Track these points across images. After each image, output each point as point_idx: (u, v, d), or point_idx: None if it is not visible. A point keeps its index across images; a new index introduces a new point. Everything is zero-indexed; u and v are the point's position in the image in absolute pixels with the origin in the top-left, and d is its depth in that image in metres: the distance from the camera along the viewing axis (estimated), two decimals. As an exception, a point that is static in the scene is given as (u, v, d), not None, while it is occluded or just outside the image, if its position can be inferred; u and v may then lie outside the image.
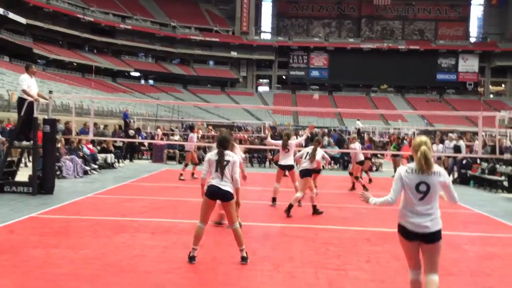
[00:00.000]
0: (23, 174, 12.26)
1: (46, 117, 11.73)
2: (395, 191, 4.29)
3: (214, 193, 5.96)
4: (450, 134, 21.25)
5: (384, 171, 20.62)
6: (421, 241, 4.17)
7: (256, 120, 55.20)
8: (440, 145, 17.92)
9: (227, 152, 6.06)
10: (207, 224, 6.10)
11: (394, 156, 18.27)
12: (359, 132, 29.07)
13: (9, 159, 11.93)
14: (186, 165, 15.38)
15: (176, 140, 22.87)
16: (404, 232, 4.23)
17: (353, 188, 13.63)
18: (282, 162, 10.65)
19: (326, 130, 36.67)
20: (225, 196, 5.96)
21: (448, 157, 16.95)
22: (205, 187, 6.11)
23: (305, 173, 9.71)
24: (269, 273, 5.69)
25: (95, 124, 18.33)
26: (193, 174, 15.26)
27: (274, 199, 10.58)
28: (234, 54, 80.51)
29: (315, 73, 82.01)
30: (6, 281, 5.07)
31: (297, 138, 13.46)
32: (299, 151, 11.10)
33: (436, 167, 4.22)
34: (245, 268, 5.87)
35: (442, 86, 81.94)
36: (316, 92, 80.00)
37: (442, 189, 4.24)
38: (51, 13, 61.38)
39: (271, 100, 75.20)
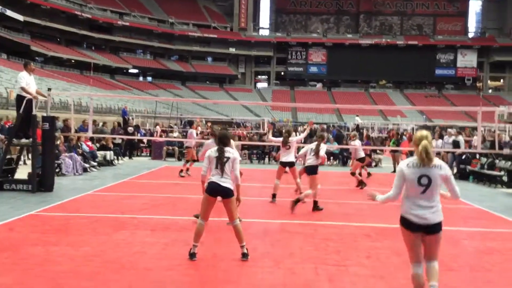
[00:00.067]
0: (23, 171, 12.25)
1: (45, 114, 11.72)
2: (396, 187, 4.42)
3: (214, 190, 5.96)
4: (449, 130, 21.24)
5: (384, 166, 20.64)
6: (423, 233, 4.28)
7: (255, 117, 55.20)
8: (440, 141, 17.93)
9: (227, 149, 6.05)
10: (207, 221, 6.10)
11: (393, 151, 18.27)
12: (358, 128, 29.07)
13: (8, 156, 11.91)
14: (187, 162, 15.35)
15: (175, 137, 22.86)
16: (408, 224, 4.33)
17: (359, 184, 13.49)
18: (283, 159, 10.66)
19: (325, 126, 36.68)
20: (226, 193, 5.96)
21: (447, 152, 16.96)
22: (205, 184, 6.11)
23: (311, 171, 9.74)
24: (270, 270, 5.70)
25: (94, 121, 18.30)
26: (187, 170, 15.11)
27: (274, 196, 10.59)
28: (232, 50, 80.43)
29: (313, 69, 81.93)
30: (7, 279, 5.07)
31: (296, 134, 13.44)
32: (299, 148, 11.11)
33: (437, 161, 4.32)
34: (245, 264, 5.87)
35: (441, 82, 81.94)
36: (314, 88, 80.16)
37: (443, 182, 4.31)
38: (49, 10, 61.25)
39: (270, 96, 75.15)
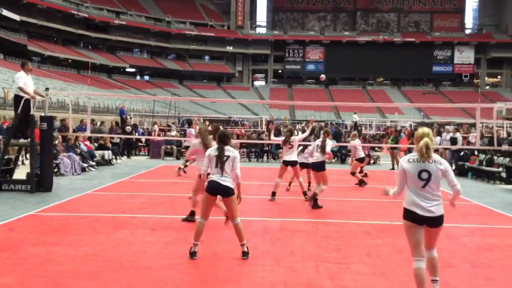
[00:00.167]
0: (21, 172, 12.22)
1: (42, 114, 11.69)
2: (399, 185, 4.64)
3: (214, 189, 5.95)
4: (447, 127, 21.28)
5: (382, 164, 20.66)
6: (427, 226, 4.48)
7: (253, 115, 55.18)
8: (438, 137, 17.96)
9: (227, 147, 6.05)
10: (207, 220, 6.10)
11: (392, 149, 18.29)
12: (356, 125, 29.07)
13: (6, 157, 11.88)
14: (187, 161, 15.28)
15: (173, 136, 22.83)
16: (413, 218, 4.47)
17: (360, 183, 13.52)
18: (286, 158, 10.65)
19: (323, 124, 36.67)
20: (226, 192, 5.95)
21: (446, 149, 16.99)
22: (206, 183, 6.10)
23: (319, 167, 9.78)
24: (270, 268, 5.69)
25: (92, 121, 18.27)
26: (185, 166, 15.03)
27: (273, 194, 10.59)
28: (229, 48, 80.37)
29: (311, 67, 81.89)
30: (8, 279, 5.06)
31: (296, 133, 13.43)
32: (299, 146, 11.14)
33: (436, 157, 4.53)
34: (246, 263, 5.87)
35: (438, 78, 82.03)
36: (312, 86, 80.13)
37: (443, 177, 4.48)
38: (45, 9, 61.11)
39: (267, 95, 75.15)
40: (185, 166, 15.03)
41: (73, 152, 15.00)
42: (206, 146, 7.80)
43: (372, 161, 20.41)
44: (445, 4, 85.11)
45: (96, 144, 18.04)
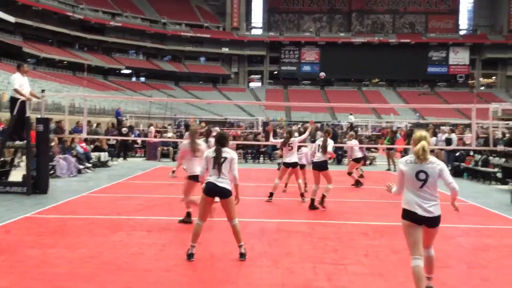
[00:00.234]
0: (17, 174, 12.18)
1: (38, 116, 11.66)
2: (398, 184, 4.83)
3: (211, 190, 5.95)
4: (442, 127, 21.37)
5: (378, 164, 20.69)
6: (425, 226, 4.62)
7: (249, 116, 55.16)
8: (433, 138, 18.01)
9: (224, 149, 6.05)
10: (205, 222, 6.09)
11: (388, 149, 18.34)
12: (352, 127, 29.13)
13: (2, 159, 11.84)
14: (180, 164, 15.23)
15: (169, 137, 22.81)
16: (413, 218, 4.61)
17: (356, 183, 13.54)
18: (287, 159, 10.65)
19: (318, 125, 36.70)
20: (223, 193, 5.95)
21: (441, 149, 17.05)
22: (203, 185, 6.11)
23: (321, 167, 9.82)
24: (268, 269, 5.70)
25: (88, 123, 18.23)
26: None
27: (271, 194, 10.60)
28: (225, 50, 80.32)
29: (306, 68, 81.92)
30: (4, 282, 5.05)
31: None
32: (299, 147, 11.17)
33: (433, 158, 4.69)
34: (243, 264, 5.87)
35: (433, 79, 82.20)
36: (308, 87, 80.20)
37: (439, 177, 4.63)
38: (40, 11, 60.92)
39: (263, 96, 75.15)
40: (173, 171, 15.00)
41: (69, 154, 14.98)
42: (194, 147, 7.82)
43: (368, 162, 20.44)
44: (440, 5, 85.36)
45: (92, 146, 17.99)
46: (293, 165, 10.60)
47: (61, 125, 16.99)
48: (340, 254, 6.43)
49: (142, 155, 22.77)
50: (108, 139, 19.34)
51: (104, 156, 17.82)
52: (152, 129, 26.08)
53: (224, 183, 5.94)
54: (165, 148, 21.61)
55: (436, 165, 4.61)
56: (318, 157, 9.90)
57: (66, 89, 43.44)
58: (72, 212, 9.01)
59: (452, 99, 69.16)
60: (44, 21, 61.61)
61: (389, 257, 6.36)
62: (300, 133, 14.71)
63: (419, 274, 4.53)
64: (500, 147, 13.50)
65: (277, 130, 24.15)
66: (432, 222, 4.61)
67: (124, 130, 22.25)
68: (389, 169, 18.20)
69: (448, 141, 17.35)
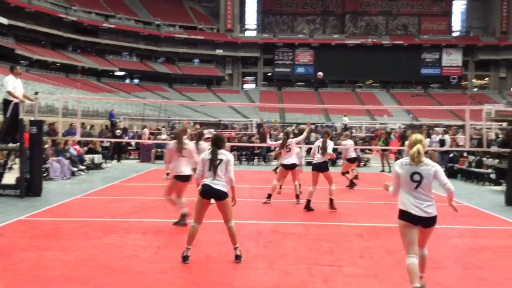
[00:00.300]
0: (10, 176, 12.09)
1: (32, 118, 11.60)
2: (395, 184, 4.95)
3: (207, 193, 5.94)
4: (436, 129, 21.43)
5: (372, 166, 20.73)
6: (421, 226, 4.76)
7: (243, 118, 55.13)
8: (427, 139, 18.07)
9: (220, 151, 6.04)
10: (201, 224, 6.08)
11: (382, 150, 18.39)
12: (345, 128, 29.18)
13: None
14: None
15: (163, 139, 22.75)
16: (409, 218, 4.74)
17: (351, 184, 13.57)
18: (285, 161, 10.63)
19: (313, 127, 36.75)
20: (219, 195, 5.94)
21: (435, 151, 17.12)
22: (199, 187, 6.09)
23: (322, 168, 9.82)
24: (264, 271, 5.69)
25: (82, 124, 18.16)
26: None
27: (269, 196, 10.60)
28: (219, 51, 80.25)
29: (300, 70, 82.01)
30: (-2, 286, 5.02)
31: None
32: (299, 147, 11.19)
33: (427, 160, 4.84)
34: (239, 266, 5.86)
35: (427, 81, 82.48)
36: (302, 88, 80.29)
37: (434, 179, 4.78)
38: (33, 13, 60.66)
39: (257, 97, 75.12)
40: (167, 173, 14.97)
41: (62, 156, 14.91)
42: (180, 147, 7.82)
43: (362, 164, 20.48)
44: (433, 7, 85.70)
45: (86, 148, 17.92)
46: (292, 166, 10.60)
47: (54, 127, 16.89)
48: (335, 256, 6.43)
49: (136, 157, 22.70)
50: (102, 141, 19.26)
51: (97, 158, 17.75)
52: (146, 131, 26.00)
53: (219, 185, 5.93)
54: (159, 150, 21.57)
55: (431, 167, 4.75)
56: (318, 158, 9.89)
57: (59, 91, 43.24)
58: (66, 214, 8.96)
59: (445, 101, 69.47)
60: (37, 23, 61.36)
61: (384, 258, 6.36)
62: (295, 135, 14.71)
63: (414, 270, 4.66)
64: (494, 148, 13.56)
65: (271, 132, 24.14)
66: (427, 222, 4.73)
67: (118, 132, 22.18)
68: (383, 170, 18.24)
69: (442, 142, 17.42)
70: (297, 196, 10.67)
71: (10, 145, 11.31)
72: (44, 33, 62.97)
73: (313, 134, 23.31)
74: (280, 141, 10.95)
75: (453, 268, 6.04)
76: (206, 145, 10.00)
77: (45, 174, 13.23)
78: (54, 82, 50.97)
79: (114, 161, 20.60)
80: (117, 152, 21.37)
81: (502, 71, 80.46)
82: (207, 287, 5.20)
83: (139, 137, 25.02)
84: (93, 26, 69.72)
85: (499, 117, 29.02)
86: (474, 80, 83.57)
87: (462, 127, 24.55)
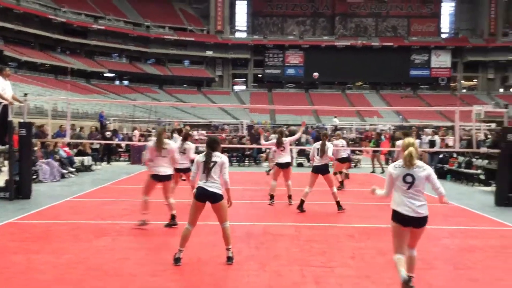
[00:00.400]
0: (-1, 179, 12.01)
1: (21, 120, 11.51)
2: (387, 187, 5.10)
3: (201, 195, 5.92)
4: (426, 130, 21.56)
5: (363, 167, 20.80)
6: (412, 226, 4.91)
7: (233, 119, 55.10)
8: (417, 140, 18.17)
9: (215, 153, 6.02)
10: (195, 226, 6.05)
11: (374, 152, 18.46)
12: (336, 129, 29.23)
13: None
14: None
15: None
16: (401, 219, 4.91)
17: (341, 185, 13.60)
18: (280, 160, 10.65)
19: (303, 128, 36.75)
20: (214, 198, 5.92)
21: (425, 151, 17.22)
22: (194, 190, 6.08)
23: (323, 170, 9.82)
24: (256, 273, 5.69)
25: (71, 126, 18.04)
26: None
27: (272, 196, 10.61)
28: (209, 53, 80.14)
29: (290, 71, 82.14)
30: (-12, 289, 4.97)
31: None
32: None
33: (420, 162, 5.01)
34: (231, 268, 5.85)
35: (416, 82, 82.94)
36: (292, 90, 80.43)
37: (426, 181, 4.95)
38: (22, 14, 60.22)
39: (248, 99, 75.12)
40: None
41: (52, 158, 14.80)
42: (159, 146, 7.81)
43: (353, 165, 20.53)
44: (422, 9, 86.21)
45: (75, 150, 17.81)
46: (286, 165, 10.62)
47: (43, 129, 16.76)
48: (327, 257, 6.45)
49: (126, 159, 22.60)
50: (92, 143, 19.16)
51: (87, 160, 17.66)
52: (136, 132, 25.91)
53: (213, 187, 5.92)
54: (150, 152, 21.43)
55: (423, 169, 4.93)
56: (318, 160, 9.88)
57: (48, 93, 42.96)
58: (56, 217, 8.91)
59: (434, 102, 69.88)
60: (26, 24, 60.92)
61: (376, 259, 6.39)
62: (286, 137, 14.72)
63: (401, 262, 4.86)
64: (483, 149, 13.65)
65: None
66: (418, 222, 4.89)
67: (108, 134, 22.08)
68: (373, 171, 18.31)
69: (432, 143, 17.53)
70: (290, 197, 10.67)
71: (-1, 147, 11.21)
72: (33, 34, 62.52)
73: (303, 136, 23.37)
74: (274, 140, 10.97)
75: (444, 268, 6.08)
76: (193, 146, 10.01)
77: (34, 177, 13.12)
78: (43, 83, 50.67)
79: (104, 163, 20.50)
80: (107, 154, 21.27)
81: (490, 72, 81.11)
82: (199, 289, 5.19)
83: (129, 139, 24.92)
84: (82, 27, 69.33)
85: (488, 118, 29.28)
86: (462, 82, 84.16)
87: (451, 128, 24.72)
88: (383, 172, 17.57)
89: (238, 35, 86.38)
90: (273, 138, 12.35)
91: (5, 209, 9.52)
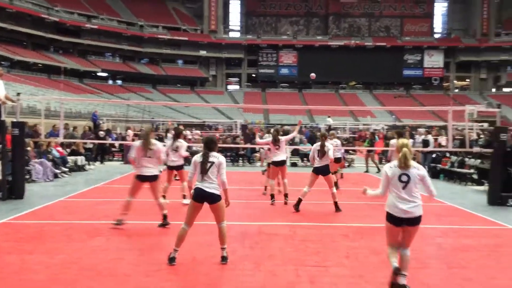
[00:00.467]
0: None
1: (14, 120, 11.46)
2: (383, 185, 5.20)
3: (199, 196, 5.91)
4: (419, 130, 21.63)
5: (356, 166, 20.85)
6: (405, 225, 5.05)
7: (227, 119, 55.08)
8: (410, 140, 18.24)
9: (212, 153, 6.01)
10: (191, 227, 6.04)
11: (368, 151, 18.52)
12: (329, 129, 29.28)
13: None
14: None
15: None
16: (394, 220, 5.05)
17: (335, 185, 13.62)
18: (275, 158, 10.67)
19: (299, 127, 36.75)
20: (211, 198, 5.92)
21: (418, 151, 17.28)
22: (192, 190, 6.07)
23: (324, 171, 9.81)
24: (251, 272, 5.69)
25: (65, 126, 17.97)
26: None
27: (272, 196, 10.62)
28: (203, 53, 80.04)
29: (284, 71, 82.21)
30: (-19, 290, 4.94)
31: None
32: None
33: (415, 163, 5.16)
34: (226, 267, 5.85)
35: (409, 82, 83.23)
36: (285, 89, 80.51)
37: (420, 181, 5.09)
38: (14, 13, 59.89)
39: (241, 99, 75.10)
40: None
41: (45, 158, 14.73)
42: (146, 147, 7.77)
43: (347, 164, 20.57)
44: (415, 9, 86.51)
45: (68, 150, 17.74)
46: (282, 163, 10.64)
47: (36, 129, 16.68)
48: (321, 256, 6.46)
49: (120, 159, 22.52)
50: (85, 143, 19.08)
51: (81, 160, 17.59)
52: (130, 132, 25.82)
53: (211, 188, 5.91)
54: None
55: (418, 170, 5.08)
56: (318, 161, 9.86)
57: (41, 92, 42.75)
58: (49, 217, 8.87)
59: (427, 102, 70.16)
60: (18, 24, 60.60)
61: (369, 258, 6.41)
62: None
63: (394, 253, 5.08)
64: (476, 149, 13.71)
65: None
66: (411, 222, 5.02)
67: (101, 133, 22.00)
68: (367, 171, 18.35)
69: (425, 143, 17.59)
70: (286, 195, 10.67)
71: (-8, 147, 11.14)
72: (25, 33, 62.20)
73: (297, 136, 23.38)
74: (269, 139, 10.97)
75: (438, 267, 6.10)
76: (185, 143, 9.99)
77: (27, 176, 13.06)
78: (36, 83, 50.41)
79: (98, 163, 20.43)
80: (101, 153, 21.20)
81: (482, 72, 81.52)
82: (194, 289, 5.18)
83: (123, 139, 24.83)
84: (76, 27, 69.06)
85: (481, 118, 29.43)
86: (455, 82, 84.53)
87: (444, 127, 24.81)
88: (378, 171, 17.62)
89: (231, 34, 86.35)
90: (267, 137, 12.36)
91: (-2, 209, 9.47)
